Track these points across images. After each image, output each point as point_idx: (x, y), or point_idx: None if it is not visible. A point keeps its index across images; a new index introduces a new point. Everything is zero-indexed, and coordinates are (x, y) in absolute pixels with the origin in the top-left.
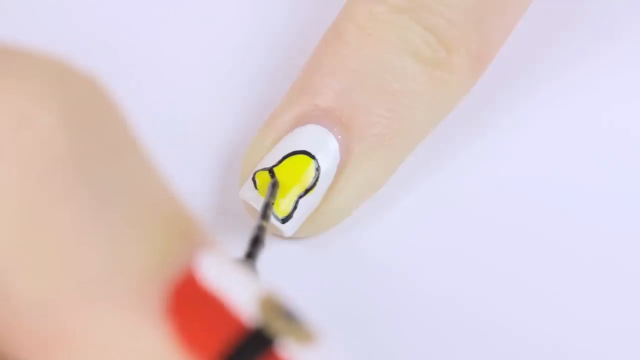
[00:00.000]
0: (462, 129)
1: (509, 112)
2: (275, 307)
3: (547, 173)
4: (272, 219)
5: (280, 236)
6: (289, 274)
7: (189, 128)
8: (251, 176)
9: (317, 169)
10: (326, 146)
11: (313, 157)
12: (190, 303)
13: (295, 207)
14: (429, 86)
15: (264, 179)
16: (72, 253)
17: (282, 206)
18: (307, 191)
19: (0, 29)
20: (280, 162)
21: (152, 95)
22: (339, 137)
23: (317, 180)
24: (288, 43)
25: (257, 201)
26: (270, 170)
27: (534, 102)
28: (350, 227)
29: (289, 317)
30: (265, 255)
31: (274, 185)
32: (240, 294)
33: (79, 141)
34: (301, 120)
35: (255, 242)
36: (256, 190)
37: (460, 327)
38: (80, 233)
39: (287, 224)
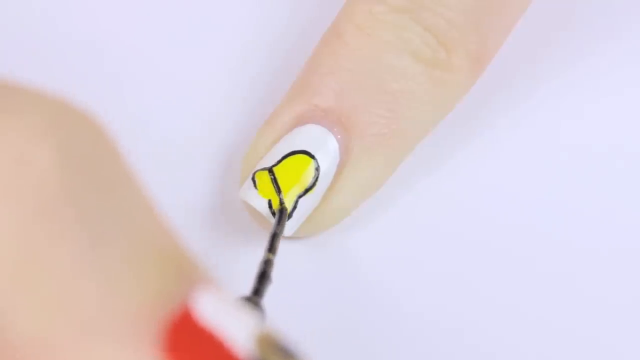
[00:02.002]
0: (460, 128)
1: (508, 112)
2: (272, 344)
3: (546, 173)
4: (272, 219)
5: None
6: (289, 273)
7: (189, 128)
8: (251, 176)
9: (317, 169)
10: (326, 146)
11: (313, 156)
12: (187, 340)
13: (294, 207)
14: (429, 86)
15: (264, 178)
16: (69, 291)
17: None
18: (306, 191)
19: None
20: (279, 161)
21: (152, 96)
22: (339, 137)
23: (316, 180)
24: (288, 43)
25: (256, 201)
26: (270, 170)
27: (533, 102)
28: (349, 226)
29: (285, 355)
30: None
31: (282, 213)
32: (238, 331)
33: (75, 179)
34: (301, 120)
35: (262, 278)
36: (256, 190)
37: (457, 326)
38: (77, 271)
39: (286, 223)
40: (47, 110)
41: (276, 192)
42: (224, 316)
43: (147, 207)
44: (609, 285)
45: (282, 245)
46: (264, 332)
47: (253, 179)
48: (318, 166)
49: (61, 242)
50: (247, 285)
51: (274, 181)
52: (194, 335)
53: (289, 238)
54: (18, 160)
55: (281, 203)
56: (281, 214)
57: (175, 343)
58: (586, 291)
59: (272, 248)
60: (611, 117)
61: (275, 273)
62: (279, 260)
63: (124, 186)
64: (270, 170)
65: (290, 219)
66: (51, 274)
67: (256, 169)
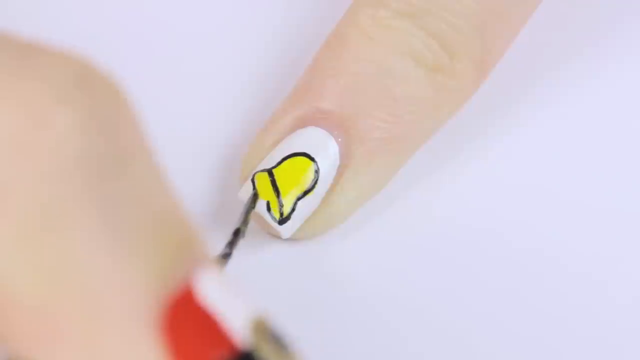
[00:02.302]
0: (460, 132)
1: (507, 114)
2: (265, 331)
3: (546, 175)
4: (270, 220)
5: (277, 237)
6: (286, 275)
7: (189, 128)
8: (250, 177)
9: (317, 171)
10: (326, 149)
11: (313, 159)
12: (185, 320)
13: (293, 209)
14: (431, 91)
15: (263, 180)
16: (77, 260)
17: (280, 207)
18: (305, 193)
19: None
20: (279, 163)
21: (152, 96)
22: (339, 140)
23: (316, 182)
24: (290, 44)
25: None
26: (270, 172)
27: (533, 104)
28: (347, 229)
29: (277, 343)
30: (263, 255)
31: (254, 197)
32: (235, 315)
33: (93, 145)
34: (302, 123)
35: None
36: (255, 192)
37: (456, 327)
38: (87, 240)
39: (284, 225)
40: (70, 72)
41: (275, 194)
42: (223, 299)
43: (162, 182)
44: (609, 287)
45: (279, 247)
46: (259, 319)
47: (252, 181)
48: (318, 169)
49: (72, 208)
50: (245, 285)
51: (273, 183)
52: (192, 315)
53: (287, 240)
54: (37, 122)
55: (271, 177)
56: (254, 198)
57: (174, 322)
58: (589, 295)
59: (245, 221)
60: (611, 118)
61: (272, 274)
62: (275, 262)
63: (141, 158)
64: (269, 172)
65: (289, 221)
66: (58, 239)
67: (256, 170)
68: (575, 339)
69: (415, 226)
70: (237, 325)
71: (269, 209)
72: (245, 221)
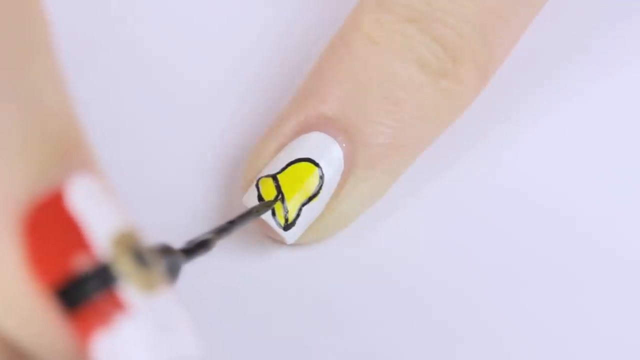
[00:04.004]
0: (463, 135)
1: (509, 117)
2: (129, 246)
3: (548, 178)
4: (275, 226)
5: (281, 243)
6: (291, 279)
7: (192, 132)
8: (255, 182)
9: (321, 177)
10: (330, 154)
11: (317, 164)
12: (48, 224)
13: (298, 215)
14: (435, 96)
15: (268, 185)
16: None
17: (285, 213)
18: (310, 199)
19: None
20: (284, 169)
21: (156, 99)
22: (343, 145)
23: (320, 187)
24: (293, 48)
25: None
26: (274, 177)
27: (535, 107)
28: (352, 234)
29: (139, 259)
30: (267, 261)
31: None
32: (100, 225)
33: None
34: (306, 128)
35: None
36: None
37: (459, 334)
38: None
39: (289, 231)
40: None
41: (280, 199)
42: (91, 208)
43: (54, 80)
44: (613, 291)
45: (285, 252)
46: (126, 232)
47: (257, 186)
48: (322, 174)
49: None
50: (250, 291)
51: (278, 188)
52: (55, 221)
53: (292, 245)
54: None
55: (276, 182)
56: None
57: (36, 224)
58: (592, 299)
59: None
60: (614, 123)
61: (278, 279)
62: (280, 267)
63: (36, 54)
64: (274, 177)
65: (293, 227)
66: None
67: (260, 175)
68: (579, 341)
69: (417, 232)
70: (99, 236)
71: (273, 214)
72: (241, 219)
